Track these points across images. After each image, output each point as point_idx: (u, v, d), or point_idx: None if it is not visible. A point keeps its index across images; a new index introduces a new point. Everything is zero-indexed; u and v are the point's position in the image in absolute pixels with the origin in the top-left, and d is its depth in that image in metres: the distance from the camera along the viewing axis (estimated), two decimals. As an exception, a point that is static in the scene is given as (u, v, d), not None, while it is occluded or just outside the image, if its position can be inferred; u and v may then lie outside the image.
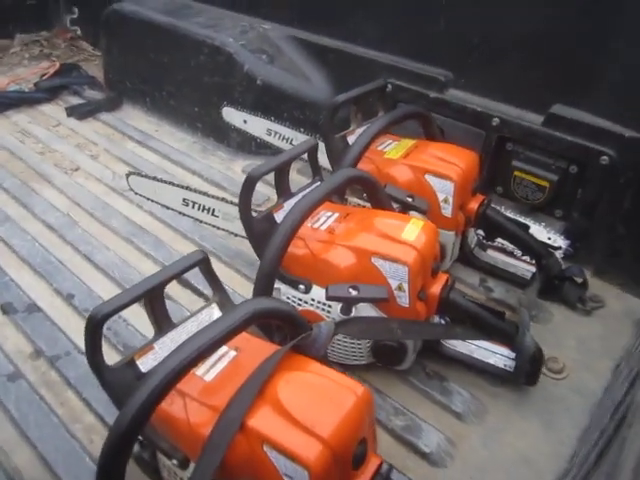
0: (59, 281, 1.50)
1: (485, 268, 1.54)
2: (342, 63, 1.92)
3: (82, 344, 1.29)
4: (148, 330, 1.30)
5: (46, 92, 2.48)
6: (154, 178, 1.63)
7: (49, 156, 2.08)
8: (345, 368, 1.20)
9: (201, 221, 1.60)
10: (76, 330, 1.36)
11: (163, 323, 0.94)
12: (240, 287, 1.47)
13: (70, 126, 2.29)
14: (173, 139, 2.20)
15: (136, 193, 1.70)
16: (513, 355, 1.21)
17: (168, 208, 1.65)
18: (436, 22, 1.67)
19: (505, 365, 1.22)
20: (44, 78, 2.57)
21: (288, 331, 0.91)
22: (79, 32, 3.01)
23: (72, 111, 2.33)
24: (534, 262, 1.48)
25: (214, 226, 1.58)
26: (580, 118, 1.48)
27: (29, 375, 1.26)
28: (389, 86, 1.74)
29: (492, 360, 1.23)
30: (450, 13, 1.64)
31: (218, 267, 1.53)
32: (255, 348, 0.91)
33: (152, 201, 1.68)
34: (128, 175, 1.69)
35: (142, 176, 1.66)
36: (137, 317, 1.37)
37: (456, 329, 1.18)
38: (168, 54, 2.19)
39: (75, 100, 2.48)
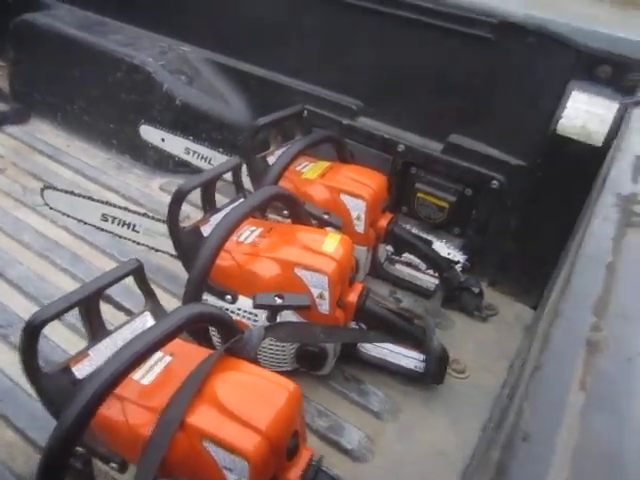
0: (-32, 297, 1.44)
1: (394, 280, 1.68)
2: (261, 88, 2.01)
3: (-3, 360, 1.28)
4: (68, 345, 1.31)
5: (-56, 102, 2.36)
6: (72, 192, 1.62)
7: (-50, 169, 1.98)
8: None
9: (121, 236, 1.60)
10: (-9, 346, 1.32)
11: (97, 331, 0.96)
12: (162, 301, 1.47)
13: (-28, 138, 2.19)
14: (86, 155, 2.16)
15: (51, 208, 1.68)
16: (422, 357, 1.34)
17: (85, 223, 1.64)
18: (349, 56, 1.81)
19: (415, 366, 1.35)
20: (-59, 87, 2.44)
21: (220, 335, 0.97)
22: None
23: (-25, 123, 2.23)
24: (437, 275, 1.63)
25: (135, 241, 1.59)
26: (474, 147, 1.67)
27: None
28: (305, 112, 1.86)
29: (404, 362, 1.36)
30: (361, 49, 1.79)
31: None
32: (189, 353, 0.96)
33: (68, 216, 1.66)
34: (43, 189, 1.66)
35: (58, 190, 1.64)
36: (57, 332, 1.36)
37: (371, 333, 1.29)
38: (82, 69, 2.17)
39: (-25, 111, 2.37)
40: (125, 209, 1.57)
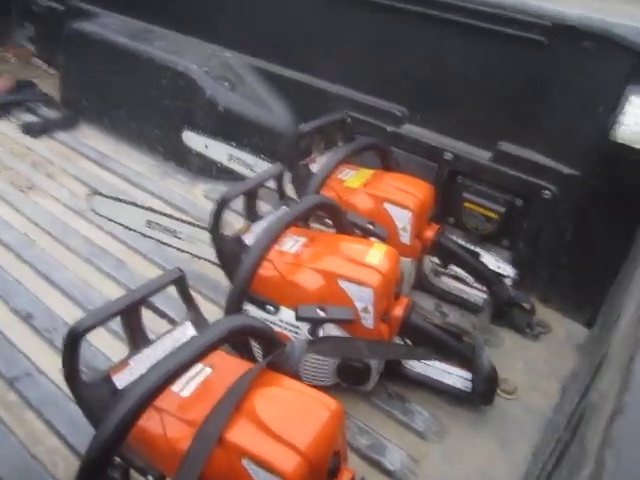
0: (17, 300, 1.47)
1: (440, 294, 1.63)
2: (303, 95, 2.00)
3: (43, 365, 1.30)
4: (111, 351, 1.31)
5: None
6: (117, 199, 1.64)
7: (4, 174, 2.03)
8: (310, 388, 1.24)
9: (164, 243, 1.61)
10: (36, 350, 1.34)
11: (139, 339, 0.95)
12: (202, 310, 1.48)
13: (25, 144, 2.25)
14: (132, 161, 2.19)
15: (97, 214, 1.70)
16: (469, 376, 1.28)
17: (130, 229, 1.65)
18: (394, 63, 1.77)
19: (462, 386, 1.29)
20: (-3, 94, 2.52)
21: (262, 348, 0.95)
22: (34, 49, 2.98)
23: (28, 128, 2.30)
24: (485, 289, 1.57)
25: (177, 248, 1.59)
26: (524, 155, 1.61)
27: (-14, 396, 1.23)
28: (348, 119, 1.83)
29: (450, 381, 1.30)
30: (406, 55, 1.75)
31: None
32: (230, 365, 0.93)
33: (114, 222, 1.67)
34: (90, 195, 1.68)
35: (105, 196, 1.66)
36: (100, 338, 1.37)
37: (418, 350, 1.24)
38: (129, 76, 2.21)
39: (28, 117, 2.44)
40: (169, 216, 1.57)
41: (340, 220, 1.32)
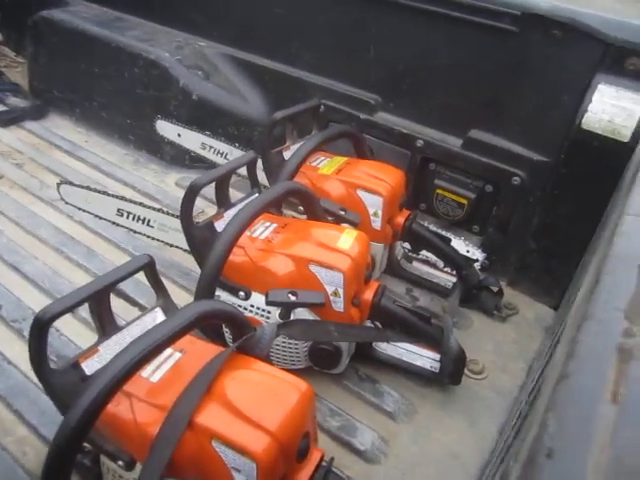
0: (-16, 291, 1.45)
1: (411, 278, 1.65)
2: (278, 83, 1.99)
3: (11, 355, 1.29)
4: (81, 340, 1.30)
5: (-36, 98, 2.38)
6: (87, 187, 1.62)
7: (-31, 163, 2.00)
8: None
9: (135, 231, 1.60)
10: (4, 341, 1.32)
11: (108, 326, 0.95)
12: (175, 297, 1.46)
13: (-8, 133, 2.20)
14: (103, 150, 2.17)
15: (67, 203, 1.68)
16: (438, 357, 1.31)
17: (101, 218, 1.64)
18: (366, 50, 1.78)
19: (431, 367, 1.31)
20: (-38, 83, 2.46)
21: (232, 332, 0.95)
22: (0, 37, 2.91)
23: (-5, 118, 2.25)
24: (455, 273, 1.60)
25: (149, 237, 1.58)
26: (494, 142, 1.63)
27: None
28: (322, 107, 1.83)
29: (419, 362, 1.32)
30: (379, 43, 1.76)
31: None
32: (200, 350, 0.94)
33: (84, 211, 1.66)
34: (59, 184, 1.66)
35: (74, 185, 1.64)
36: (69, 326, 1.36)
37: (387, 332, 1.26)
38: (100, 65, 2.17)
39: (-4, 107, 2.39)
40: (140, 204, 1.56)
41: (312, 207, 1.33)
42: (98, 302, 0.92)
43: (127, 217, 1.58)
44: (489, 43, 1.58)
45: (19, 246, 1.62)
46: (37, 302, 1.42)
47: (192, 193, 1.20)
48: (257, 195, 1.33)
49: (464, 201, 1.70)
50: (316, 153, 1.59)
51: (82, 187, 1.63)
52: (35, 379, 1.17)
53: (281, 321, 1.13)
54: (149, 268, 0.98)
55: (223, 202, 1.32)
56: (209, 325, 1.13)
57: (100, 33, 2.15)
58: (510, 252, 1.66)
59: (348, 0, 1.77)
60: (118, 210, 1.59)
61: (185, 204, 1.21)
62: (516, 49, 1.55)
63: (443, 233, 1.68)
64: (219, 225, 1.27)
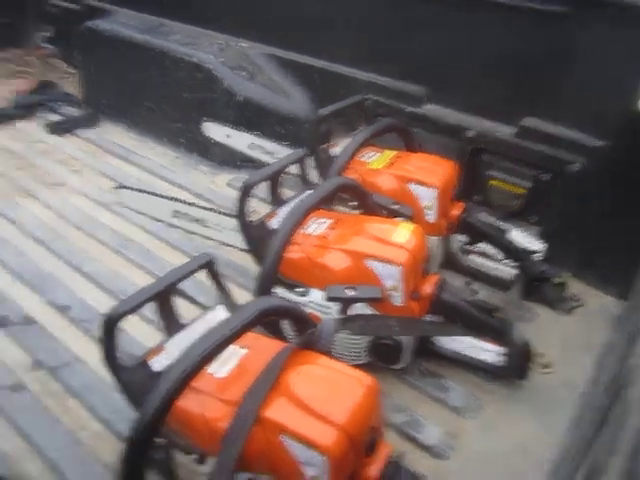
0: (52, 293, 1.50)
1: (469, 271, 1.61)
2: (321, 80, 1.99)
3: (82, 354, 1.33)
4: (144, 337, 1.33)
5: (22, 109, 2.48)
6: (143, 191, 1.66)
7: (31, 171, 2.08)
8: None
9: (191, 232, 1.63)
10: (74, 340, 1.37)
11: (172, 324, 0.96)
12: (233, 294, 1.50)
13: (50, 142, 2.29)
14: (155, 154, 2.22)
15: (124, 206, 1.72)
16: (503, 351, 1.27)
17: (158, 220, 1.67)
18: (411, 42, 1.76)
19: (496, 361, 1.28)
20: (21, 95, 2.56)
21: (294, 328, 0.95)
22: (53, 50, 3.01)
23: (53, 128, 2.33)
24: (515, 265, 1.55)
25: (205, 237, 1.61)
26: (550, 130, 1.58)
27: (31, 386, 1.26)
28: (368, 101, 1.82)
29: (483, 357, 1.29)
30: (425, 34, 1.73)
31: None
32: (263, 346, 0.94)
33: (141, 213, 1.70)
34: (117, 188, 1.71)
35: (132, 189, 1.68)
36: (132, 325, 1.39)
37: (449, 326, 1.24)
38: (145, 71, 2.22)
39: (52, 117, 2.48)
40: (194, 205, 1.58)
41: (365, 201, 1.32)
42: (162, 301, 0.94)
43: (183, 218, 1.61)
44: (541, 28, 1.53)
45: (81, 249, 1.67)
46: (101, 302, 1.47)
47: (246, 192, 1.22)
48: (309, 192, 1.33)
49: (520, 191, 1.66)
50: (365, 148, 1.58)
51: (138, 190, 1.67)
52: (105, 376, 1.23)
53: (340, 316, 1.13)
54: (210, 267, 0.99)
55: (276, 200, 1.33)
56: (269, 321, 1.14)
57: (144, 39, 2.20)
58: (571, 242, 1.61)
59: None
60: (173, 212, 1.62)
61: (240, 203, 1.23)
62: (569, 32, 1.49)
63: (500, 224, 1.64)
64: (273, 223, 1.28)
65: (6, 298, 1.48)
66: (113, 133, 2.37)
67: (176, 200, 1.60)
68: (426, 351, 1.30)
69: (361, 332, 1.14)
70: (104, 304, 1.44)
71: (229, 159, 2.09)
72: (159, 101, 2.25)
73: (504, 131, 1.66)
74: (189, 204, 1.58)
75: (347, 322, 1.06)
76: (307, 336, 0.93)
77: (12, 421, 1.17)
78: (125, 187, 1.70)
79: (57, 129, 2.33)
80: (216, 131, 2.00)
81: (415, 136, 1.68)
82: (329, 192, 1.25)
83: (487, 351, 1.29)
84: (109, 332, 0.87)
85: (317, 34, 1.98)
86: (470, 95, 1.72)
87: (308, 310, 1.20)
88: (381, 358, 1.24)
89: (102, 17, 2.46)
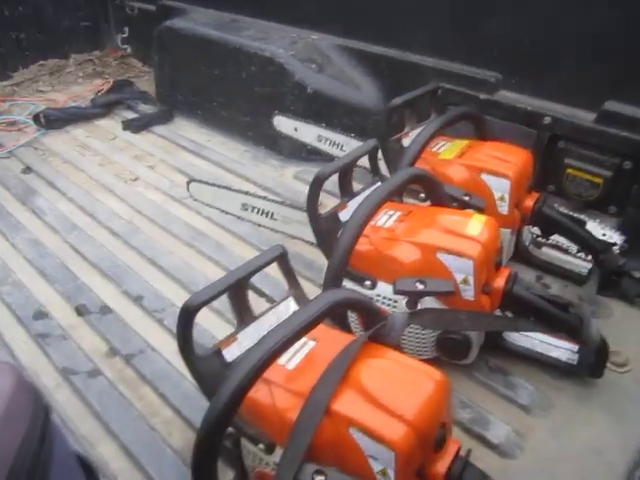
0: (128, 284, 1.57)
1: (541, 265, 1.55)
2: (391, 69, 1.97)
3: (154, 342, 1.39)
4: (215, 329, 1.37)
5: (102, 107, 2.60)
6: (214, 185, 1.70)
7: (109, 167, 2.18)
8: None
9: (260, 225, 1.65)
10: (147, 330, 1.43)
11: (245, 315, 0.98)
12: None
13: (126, 139, 2.39)
14: (225, 148, 2.27)
15: (196, 199, 1.78)
16: (576, 348, 1.22)
17: (227, 213, 1.71)
18: (484, 26, 1.70)
19: (568, 358, 1.23)
20: (99, 95, 2.69)
21: (363, 321, 0.95)
22: (129, 50, 3.14)
23: (128, 125, 2.44)
24: (591, 258, 1.48)
25: (273, 230, 1.63)
26: (634, 114, 1.49)
27: (107, 372, 1.33)
28: (440, 90, 1.78)
29: (555, 354, 1.25)
30: (498, 17, 1.67)
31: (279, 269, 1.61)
32: (333, 338, 0.95)
33: (211, 207, 1.74)
34: (188, 182, 1.76)
35: (202, 183, 1.73)
36: (203, 317, 1.43)
37: (521, 322, 1.19)
38: (219, 67, 2.28)
39: (129, 114, 2.59)
40: (264, 198, 1.61)
41: (436, 192, 1.29)
42: (236, 292, 0.96)
43: (252, 211, 1.64)
44: (623, 4, 1.44)
45: (155, 241, 1.74)
46: (175, 293, 1.53)
47: (317, 184, 1.22)
48: (379, 184, 1.32)
49: (599, 180, 1.57)
50: (436, 138, 1.54)
51: (209, 184, 1.72)
52: (177, 365, 1.28)
53: (409, 310, 1.12)
54: (282, 259, 1.01)
55: (346, 192, 1.32)
56: (336, 313, 1.14)
57: (218, 36, 2.25)
58: (654, 234, 1.52)
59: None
60: (242, 205, 1.65)
61: (311, 195, 1.23)
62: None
63: (576, 215, 1.57)
64: (343, 215, 1.27)
65: (85, 288, 1.57)
66: (186, 129, 2.45)
67: (245, 193, 1.63)
68: (495, 347, 1.27)
69: (432, 326, 1.12)
70: (176, 295, 1.51)
71: (297, 152, 2.11)
72: (231, 96, 2.30)
73: (583, 117, 1.58)
74: (257, 197, 1.61)
75: (417, 316, 1.04)
76: (377, 329, 0.92)
77: (89, 405, 1.23)
78: (195, 181, 1.75)
79: (132, 126, 2.43)
80: (285, 124, 2.02)
81: (489, 124, 1.63)
82: (401, 183, 1.23)
83: (560, 348, 1.25)
84: (186, 323, 0.90)
85: (388, 22, 1.95)
86: (547, 80, 1.65)
87: (377, 304, 1.20)
88: (448, 353, 1.22)
89: (178, 16, 2.53)
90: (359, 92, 2.04)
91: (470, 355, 1.22)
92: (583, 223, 1.50)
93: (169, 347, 1.33)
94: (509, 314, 1.26)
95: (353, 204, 1.27)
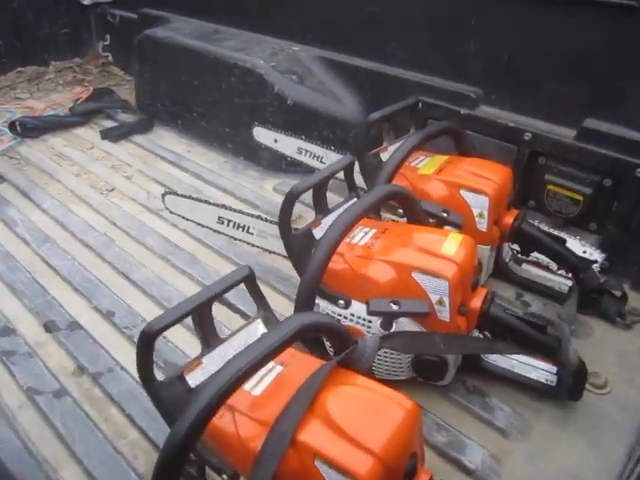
0: (99, 299, 1.53)
1: (521, 282, 1.54)
2: (372, 82, 1.95)
3: (123, 361, 1.34)
4: (188, 347, 1.33)
5: (80, 116, 2.56)
6: (189, 197, 1.67)
7: (85, 177, 2.13)
8: (385, 384, 1.21)
9: (236, 239, 1.62)
10: (117, 347, 1.39)
11: (210, 338, 0.95)
12: (274, 303, 1.46)
13: (104, 148, 2.34)
14: (205, 159, 2.24)
15: (172, 212, 1.74)
16: (554, 370, 1.20)
17: (203, 226, 1.68)
18: (466, 42, 1.69)
19: (547, 380, 1.21)
20: (78, 103, 2.65)
21: (333, 345, 0.92)
22: (110, 58, 3.10)
23: (106, 134, 2.39)
24: (571, 276, 1.47)
25: (249, 243, 1.60)
26: (614, 131, 1.48)
27: (73, 391, 1.28)
28: (420, 104, 1.76)
29: (533, 375, 1.22)
30: (480, 33, 1.66)
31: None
32: (301, 363, 0.91)
33: (187, 219, 1.71)
34: (164, 195, 1.72)
35: (178, 195, 1.70)
36: (176, 334, 1.39)
37: (498, 344, 1.17)
38: (199, 77, 2.25)
39: (108, 123, 2.55)
40: (239, 212, 1.58)
41: (413, 209, 1.27)
42: (201, 315, 0.92)
43: (227, 225, 1.61)
44: (605, 23, 1.44)
45: (129, 255, 1.70)
46: (146, 309, 1.49)
47: (290, 201, 1.19)
48: (355, 200, 1.29)
49: (579, 197, 1.56)
50: (415, 153, 1.53)
51: (184, 196, 1.68)
52: None
53: (383, 332, 1.09)
54: (249, 280, 0.97)
55: (321, 208, 1.29)
56: (310, 336, 1.11)
57: (199, 46, 2.22)
58: (634, 251, 1.50)
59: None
60: (219, 218, 1.62)
61: (283, 212, 1.20)
62: (637, 27, 1.39)
63: (556, 233, 1.55)
64: (317, 232, 1.25)
65: (55, 303, 1.52)
66: (165, 139, 2.41)
67: (220, 206, 1.60)
68: (472, 367, 1.24)
69: (405, 350, 1.09)
70: (148, 311, 1.47)
71: (276, 163, 2.08)
72: (210, 106, 2.27)
73: (563, 133, 1.57)
74: (233, 210, 1.57)
75: (390, 339, 1.01)
76: (347, 354, 0.89)
77: (53, 427, 1.18)
78: (171, 193, 1.71)
79: (110, 135, 2.38)
80: (265, 136, 1.99)
81: (469, 139, 1.62)
82: (376, 200, 1.20)
83: (538, 369, 1.23)
84: (145, 349, 0.86)
85: (370, 36, 1.94)
86: (528, 96, 1.64)
87: (350, 323, 1.17)
88: (424, 374, 1.19)
89: (159, 25, 2.50)
90: (339, 104, 2.02)
91: (447, 376, 1.19)
92: (563, 241, 1.48)
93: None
94: (487, 334, 1.24)
95: (328, 221, 1.24)
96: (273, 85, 2.00)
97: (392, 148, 1.50)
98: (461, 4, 1.67)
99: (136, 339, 1.36)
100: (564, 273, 1.52)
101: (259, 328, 1.00)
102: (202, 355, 0.94)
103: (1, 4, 2.81)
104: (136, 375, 1.27)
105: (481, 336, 1.22)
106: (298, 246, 1.23)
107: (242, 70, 2.06)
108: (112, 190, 2.05)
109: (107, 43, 3.08)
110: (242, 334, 0.99)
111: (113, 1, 2.96)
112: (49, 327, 1.45)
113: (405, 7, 1.79)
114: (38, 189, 2.06)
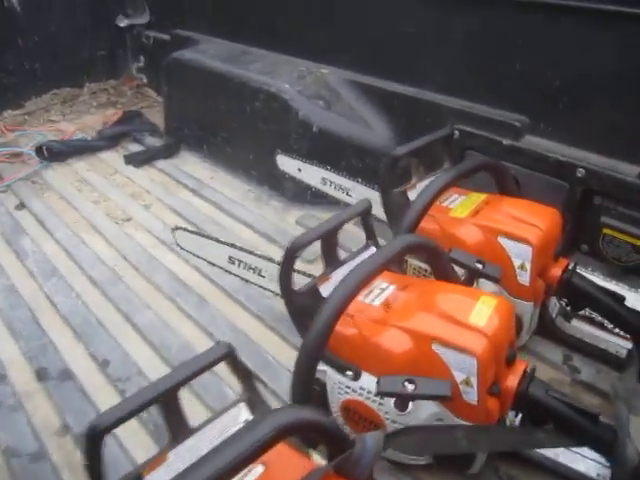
0: (96, 345, 1.41)
1: (570, 342, 1.32)
2: (406, 108, 1.78)
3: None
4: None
5: (108, 140, 2.49)
6: (199, 234, 1.54)
7: (103, 205, 2.04)
8: (401, 467, 1.03)
9: (247, 280, 1.47)
10: (107, 402, 1.22)
11: (179, 429, 0.79)
12: (282, 355, 1.34)
13: (127, 174, 2.26)
14: (228, 187, 2.11)
15: (182, 248, 1.61)
16: (607, 462, 0.99)
17: (214, 265, 1.54)
18: (511, 64, 1.50)
19: (598, 475, 1.00)
20: (107, 126, 2.59)
21: (327, 446, 0.75)
22: (144, 80, 3.05)
23: (130, 159, 2.31)
24: (630, 337, 1.24)
25: (260, 286, 1.45)
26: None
27: (53, 454, 1.16)
28: (456, 132, 1.58)
29: (582, 467, 1.02)
30: (527, 56, 1.48)
31: (262, 332, 1.42)
32: (285, 464, 0.74)
33: (197, 257, 1.58)
34: (174, 229, 1.60)
35: (187, 231, 1.57)
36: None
37: (538, 436, 0.95)
38: (225, 100, 2.13)
39: (135, 147, 2.47)
40: (250, 252, 1.43)
41: (439, 263, 1.08)
42: (168, 403, 0.77)
43: (238, 265, 1.47)
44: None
45: (134, 294, 1.58)
46: (144, 358, 1.37)
47: (291, 257, 1.03)
48: (371, 250, 1.12)
49: (642, 244, 1.34)
50: (450, 190, 1.34)
51: (194, 233, 1.55)
52: (130, 448, 1.11)
53: (395, 412, 0.91)
54: (231, 358, 0.81)
55: (330, 261, 1.12)
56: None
57: (224, 69, 2.11)
58: None
59: (484, 6, 1.51)
60: (229, 258, 1.48)
61: (283, 269, 1.04)
62: None
63: (613, 285, 1.33)
64: (325, 289, 1.08)
65: (50, 348, 1.41)
66: (190, 164, 2.31)
67: (231, 246, 1.46)
68: (507, 452, 1.04)
69: (416, 452, 0.91)
70: (146, 360, 1.36)
71: (301, 194, 1.93)
72: (236, 132, 2.16)
73: (624, 170, 1.37)
74: (244, 251, 1.43)
75: (396, 438, 0.83)
76: (342, 459, 0.72)
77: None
78: (181, 228, 1.58)
79: (134, 160, 2.29)
80: (289, 164, 1.86)
81: (511, 176, 1.42)
82: (395, 254, 1.02)
83: (587, 459, 1.02)
84: (92, 452, 0.71)
85: (404, 58, 1.77)
86: (582, 126, 1.44)
87: (360, 398, 0.99)
88: (449, 461, 1.00)
89: (188, 47, 2.42)
90: (370, 131, 1.86)
91: (475, 464, 1.00)
92: (622, 298, 1.26)
93: (124, 427, 1.15)
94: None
95: (338, 275, 1.07)
96: (298, 111, 1.86)
97: (421, 185, 1.32)
98: (505, 21, 1.49)
99: (128, 393, 1.26)
100: (623, 332, 1.29)
101: (241, 414, 0.83)
102: (169, 449, 0.79)
103: (40, 27, 2.79)
104: (121, 438, 1.16)
105: (516, 420, 1.02)
106: (301, 305, 1.06)
107: (266, 95, 1.93)
108: (128, 220, 1.94)
109: (141, 65, 3.03)
110: (220, 421, 0.82)
111: (148, 23, 2.91)
112: (41, 375, 1.34)
113: (442, 26, 1.62)
114: (54, 217, 1.98)
